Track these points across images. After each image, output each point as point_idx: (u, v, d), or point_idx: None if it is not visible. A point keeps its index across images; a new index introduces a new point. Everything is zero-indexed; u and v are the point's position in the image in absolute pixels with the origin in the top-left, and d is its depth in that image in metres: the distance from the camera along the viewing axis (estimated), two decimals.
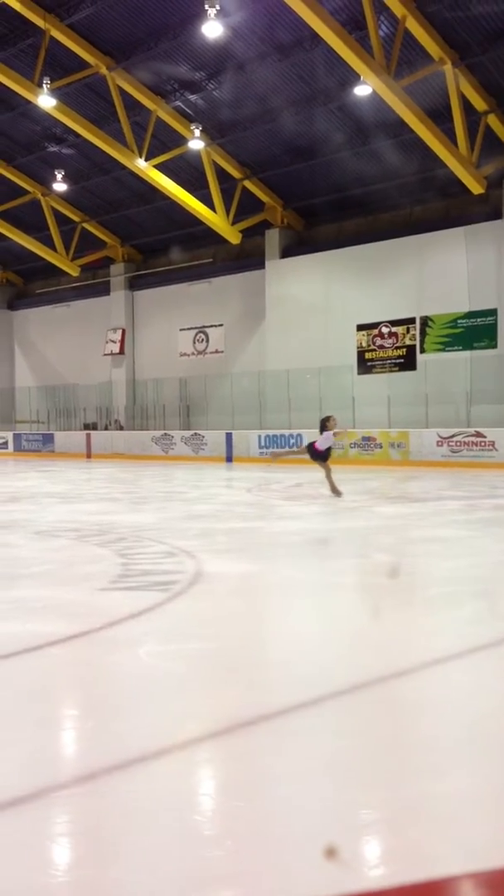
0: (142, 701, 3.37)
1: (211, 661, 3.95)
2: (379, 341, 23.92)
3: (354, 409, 23.39)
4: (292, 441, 22.44)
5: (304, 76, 20.34)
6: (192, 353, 29.27)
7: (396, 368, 23.49)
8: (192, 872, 2.05)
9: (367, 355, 24.16)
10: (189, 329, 29.36)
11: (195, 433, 26.13)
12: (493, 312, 21.56)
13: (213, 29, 17.74)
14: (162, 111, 22.26)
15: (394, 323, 23.51)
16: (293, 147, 23.04)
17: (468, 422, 21.10)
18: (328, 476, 12.32)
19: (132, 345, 31.14)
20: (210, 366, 28.33)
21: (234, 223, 25.44)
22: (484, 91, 19.29)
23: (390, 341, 23.66)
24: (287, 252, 26.06)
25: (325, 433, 12.41)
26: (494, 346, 21.48)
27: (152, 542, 7.55)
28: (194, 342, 29.26)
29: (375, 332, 23.97)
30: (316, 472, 13.16)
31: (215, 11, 17.20)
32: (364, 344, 24.24)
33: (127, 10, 19.38)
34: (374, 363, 24.04)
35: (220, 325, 28.40)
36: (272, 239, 26.16)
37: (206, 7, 17.18)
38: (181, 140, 22.92)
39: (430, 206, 23.19)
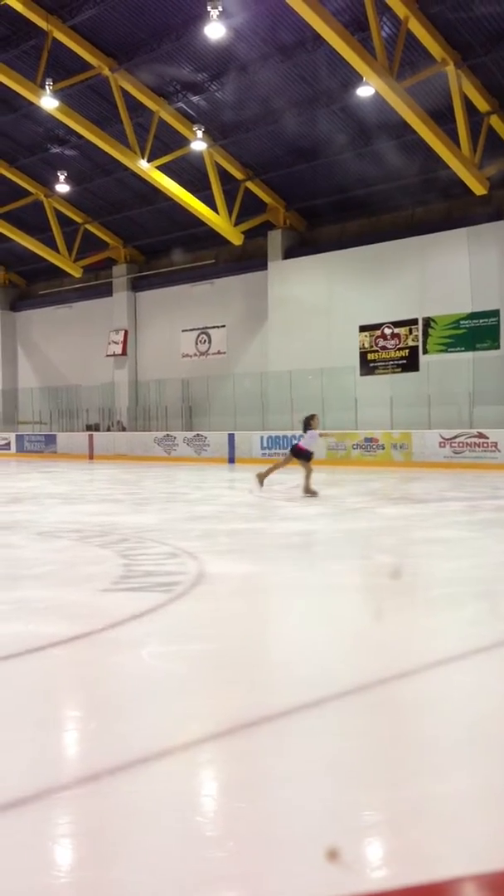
0: (144, 702, 3.37)
1: (213, 662, 3.95)
2: (381, 342, 23.92)
3: (357, 411, 23.39)
4: (294, 442, 22.42)
5: (306, 77, 20.36)
6: (195, 354, 29.29)
7: (399, 369, 23.49)
8: (193, 873, 2.06)
9: (370, 356, 24.16)
10: (191, 330, 29.38)
11: (197, 434, 26.14)
12: (495, 313, 21.56)
13: (215, 30, 17.77)
14: (164, 112, 22.28)
15: (396, 324, 23.51)
16: (296, 148, 23.06)
17: (470, 423, 21.09)
18: (307, 476, 12.23)
19: (135, 346, 31.17)
20: (212, 367, 28.34)
21: (236, 224, 25.46)
22: (486, 92, 19.29)
23: (393, 342, 23.66)
24: (289, 253, 26.08)
25: (309, 432, 12.38)
26: (497, 347, 21.47)
27: (154, 543, 7.55)
28: (197, 343, 29.27)
29: (378, 333, 23.97)
30: (318, 473, 13.16)
31: (218, 13, 17.22)
32: (366, 345, 24.24)
33: (129, 11, 19.40)
34: (376, 364, 24.04)
35: (223, 326, 28.42)
36: (274, 240, 26.17)
37: (209, 8, 17.20)
38: (183, 141, 22.94)
39: (433, 207, 23.20)
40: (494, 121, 19.71)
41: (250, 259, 27.12)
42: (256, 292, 26.90)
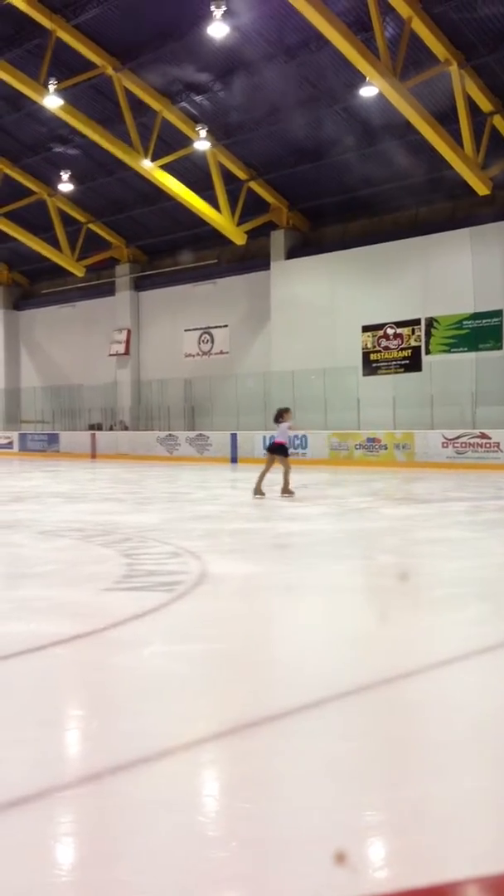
0: (145, 701, 3.37)
1: (215, 662, 3.94)
2: (384, 342, 23.90)
3: (359, 411, 23.37)
4: (297, 441, 22.44)
5: (309, 78, 20.35)
6: (197, 354, 29.29)
7: (402, 370, 23.46)
8: (196, 873, 2.05)
9: (373, 356, 24.14)
10: (194, 330, 29.38)
11: (200, 434, 26.14)
12: (498, 314, 21.53)
13: (219, 30, 17.77)
14: (168, 112, 22.28)
15: (399, 324, 23.49)
16: (299, 148, 23.05)
17: (473, 423, 21.06)
18: (286, 475, 12.09)
19: (137, 345, 31.17)
20: (215, 366, 28.33)
21: (239, 224, 25.45)
22: (490, 92, 19.26)
23: (396, 342, 23.64)
24: (292, 253, 26.07)
25: (281, 425, 12.22)
26: (500, 348, 21.44)
27: (157, 543, 7.55)
28: (199, 343, 29.27)
29: (381, 333, 23.95)
30: (320, 473, 13.15)
31: (222, 13, 17.22)
32: (369, 345, 24.22)
33: (133, 11, 19.40)
34: (379, 364, 24.02)
35: (226, 326, 28.41)
36: (277, 240, 26.17)
37: (213, 8, 17.20)
38: (187, 141, 22.93)
39: (436, 207, 23.17)
40: (498, 121, 19.69)
41: (253, 259, 27.11)
42: (259, 292, 26.89)
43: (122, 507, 11.82)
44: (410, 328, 23.29)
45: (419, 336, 23.12)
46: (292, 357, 25.36)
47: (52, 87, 20.92)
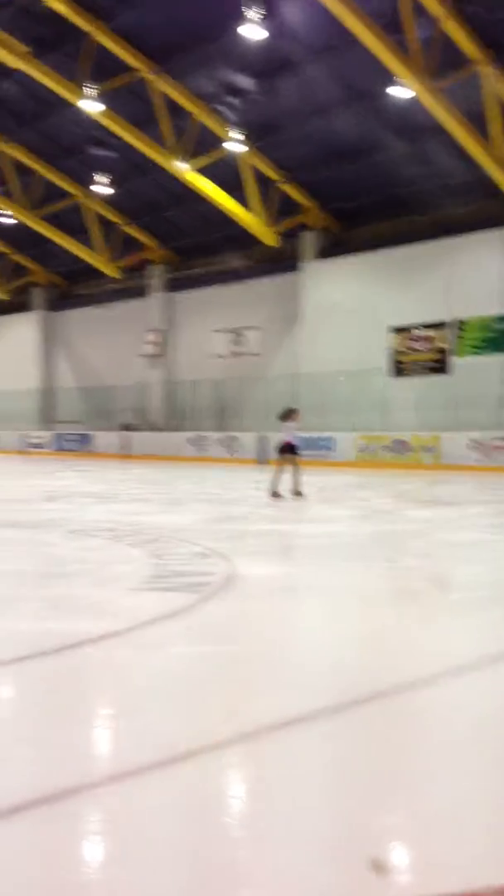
0: (169, 702, 3.45)
1: (240, 664, 4.02)
2: (412, 345, 23.80)
3: (386, 413, 23.32)
4: (321, 443, 22.47)
5: (342, 79, 20.36)
6: (228, 355, 29.38)
7: (429, 372, 23.35)
8: (210, 874, 2.12)
9: (401, 358, 24.06)
10: (225, 331, 29.48)
11: (229, 435, 26.25)
12: None
13: (254, 32, 17.90)
14: (202, 114, 22.43)
15: (427, 326, 23.39)
16: (332, 150, 23.06)
17: (500, 426, 20.92)
18: (296, 474, 12.07)
19: (169, 346, 31.37)
20: (245, 368, 28.41)
21: (270, 225, 25.52)
22: None
23: (424, 345, 23.53)
24: (323, 254, 26.07)
25: (287, 424, 12.30)
26: None
27: (185, 543, 7.66)
28: (230, 344, 29.35)
29: (409, 335, 23.85)
30: (343, 476, 13.17)
31: (257, 16, 17.34)
32: (397, 347, 24.14)
33: (170, 14, 19.57)
34: (406, 366, 23.92)
35: (256, 327, 28.48)
36: (308, 241, 26.19)
37: (248, 11, 17.32)
38: (220, 143, 23.06)
39: (466, 208, 23.02)
40: None
41: (284, 260, 27.15)
42: (290, 293, 26.93)
43: (152, 508, 11.97)
44: (439, 330, 23.18)
45: (447, 338, 22.99)
46: (321, 359, 25.36)
47: (89, 90, 21.16)
